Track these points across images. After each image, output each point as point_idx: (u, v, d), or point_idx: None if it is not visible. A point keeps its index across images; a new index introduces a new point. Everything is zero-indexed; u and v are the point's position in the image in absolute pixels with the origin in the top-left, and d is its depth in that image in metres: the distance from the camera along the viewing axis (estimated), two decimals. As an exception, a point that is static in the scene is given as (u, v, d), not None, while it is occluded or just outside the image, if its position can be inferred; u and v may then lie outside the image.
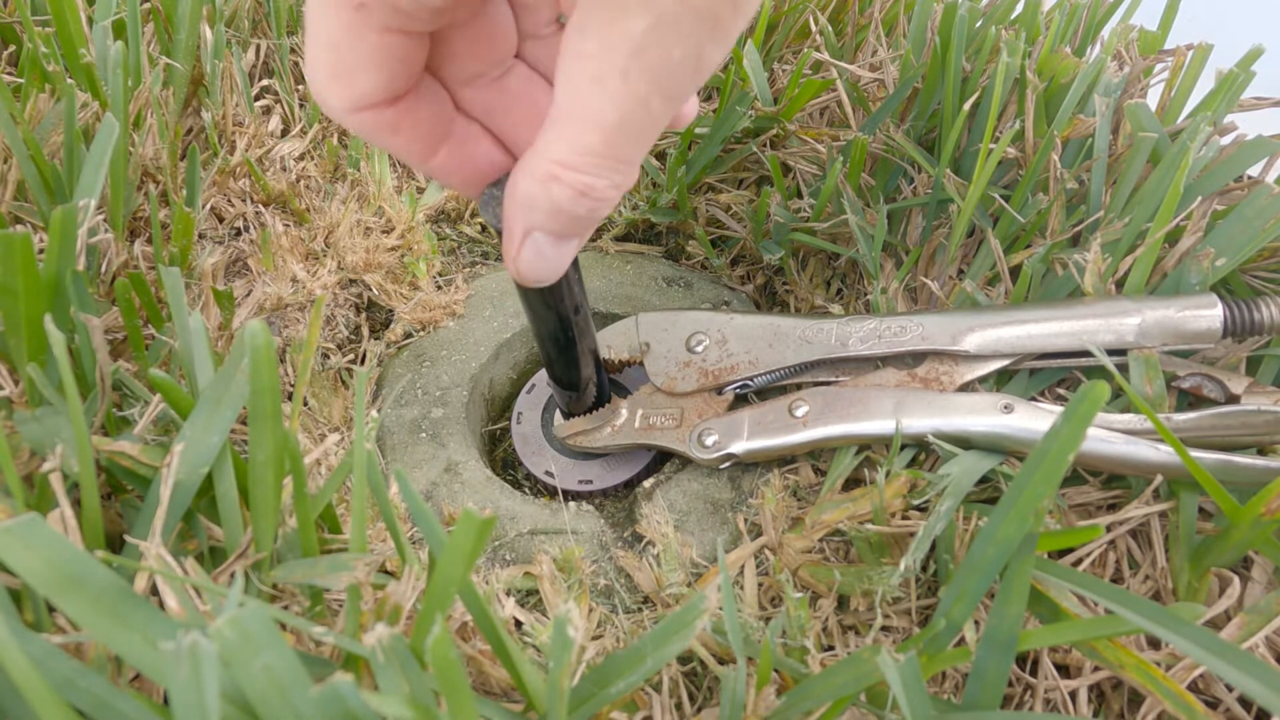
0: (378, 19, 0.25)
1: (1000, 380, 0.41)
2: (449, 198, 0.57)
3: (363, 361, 0.50)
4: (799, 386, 0.43)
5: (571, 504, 0.43)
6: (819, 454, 0.42)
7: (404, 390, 0.47)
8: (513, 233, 0.28)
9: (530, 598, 0.39)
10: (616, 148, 0.24)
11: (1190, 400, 0.39)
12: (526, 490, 0.47)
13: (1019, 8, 0.54)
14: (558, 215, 0.26)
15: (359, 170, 0.54)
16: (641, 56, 0.22)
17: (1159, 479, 0.36)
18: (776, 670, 0.32)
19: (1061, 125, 0.45)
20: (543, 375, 0.48)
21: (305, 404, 0.45)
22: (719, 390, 0.43)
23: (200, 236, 0.50)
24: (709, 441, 0.41)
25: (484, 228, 0.58)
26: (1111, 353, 0.37)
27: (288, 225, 0.51)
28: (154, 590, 0.26)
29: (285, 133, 0.57)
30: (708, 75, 0.24)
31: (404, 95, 0.27)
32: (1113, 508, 0.38)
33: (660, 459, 0.46)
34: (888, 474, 0.38)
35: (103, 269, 0.40)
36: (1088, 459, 0.36)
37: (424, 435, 0.46)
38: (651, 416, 0.43)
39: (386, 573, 0.33)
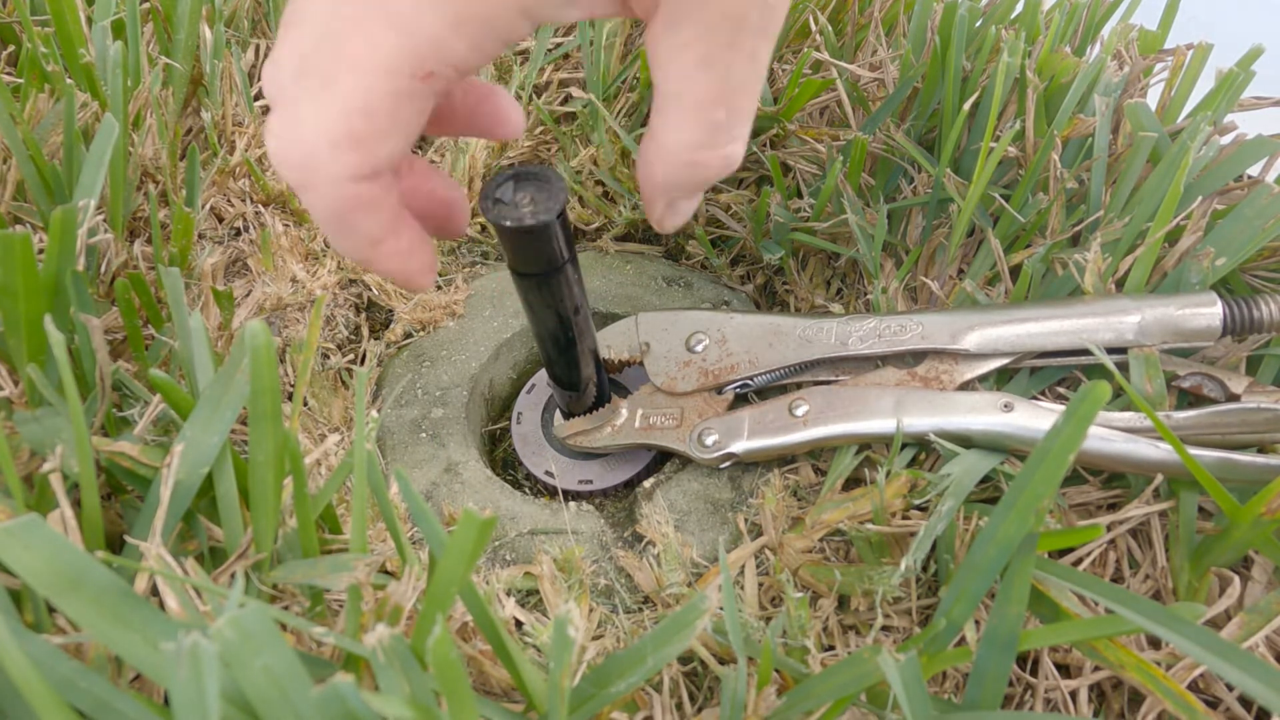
0: (439, 85, 0.24)
1: (1000, 379, 0.41)
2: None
3: (363, 361, 0.49)
4: (799, 386, 0.43)
5: (571, 504, 0.43)
6: (819, 454, 0.42)
7: (404, 390, 0.47)
8: (655, 204, 0.30)
9: (530, 598, 0.39)
10: (739, 109, 0.26)
11: (1190, 399, 0.39)
12: (526, 490, 0.47)
13: (1019, 7, 0.54)
14: (700, 185, 0.28)
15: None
16: (742, 22, 0.24)
17: (1159, 478, 0.36)
18: (777, 670, 0.32)
19: (1061, 125, 0.45)
20: (543, 375, 0.48)
21: (305, 404, 0.45)
22: (719, 390, 0.43)
23: (200, 236, 0.50)
24: (709, 441, 0.41)
25: (484, 228, 0.58)
26: (1111, 351, 0.37)
27: (287, 225, 0.51)
28: (154, 591, 0.26)
29: (285, 133, 0.57)
30: (780, 21, 0.26)
31: (404, 166, 0.28)
32: (1113, 507, 0.38)
33: (660, 459, 0.46)
34: (888, 474, 0.38)
35: (102, 269, 0.40)
36: (1087, 457, 0.36)
37: (424, 435, 0.46)
38: (651, 416, 0.43)
39: (387, 573, 0.33)
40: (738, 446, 0.41)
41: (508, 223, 0.30)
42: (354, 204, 0.26)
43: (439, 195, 0.31)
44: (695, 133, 0.26)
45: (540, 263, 0.33)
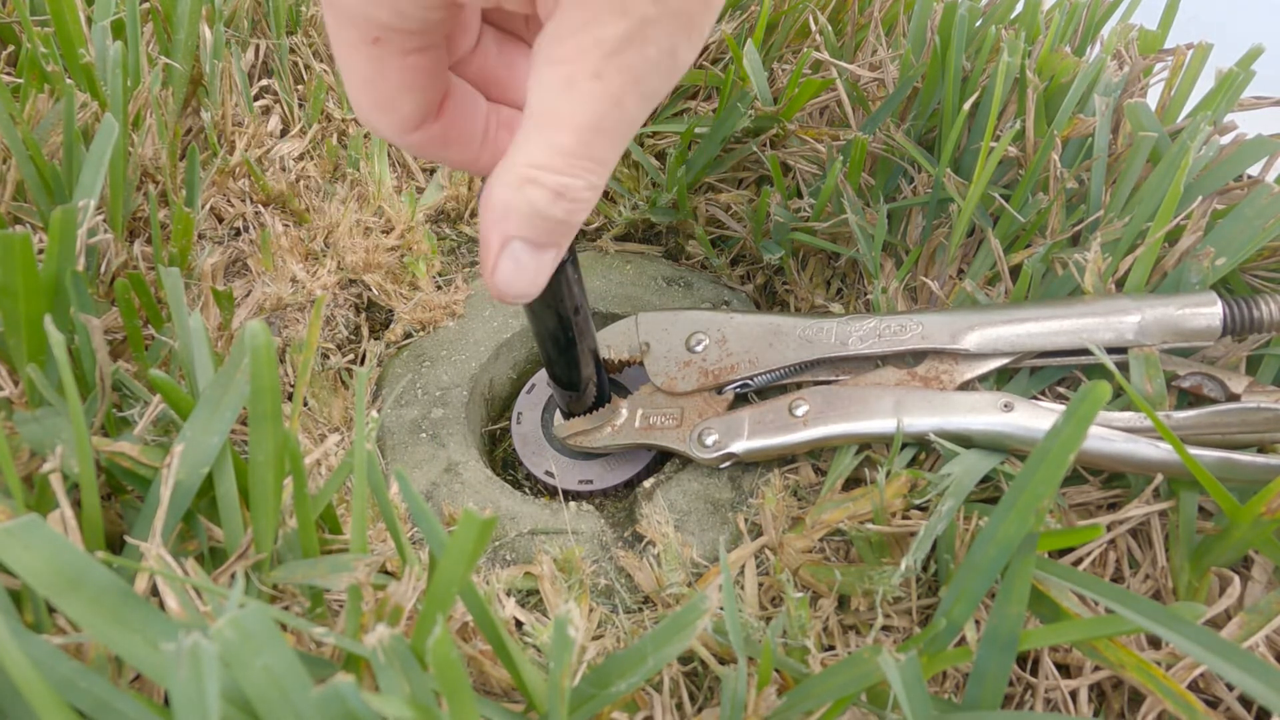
0: (396, 46, 0.25)
1: (1000, 379, 0.41)
2: (449, 197, 0.57)
3: (363, 361, 0.49)
4: (799, 386, 0.43)
5: (572, 504, 0.43)
6: (819, 453, 0.42)
7: (404, 390, 0.47)
8: (489, 245, 0.27)
9: (531, 598, 0.39)
10: (591, 147, 0.24)
11: (1190, 399, 0.39)
12: (526, 490, 0.47)
13: (1019, 7, 0.54)
14: (535, 220, 0.26)
15: (358, 170, 0.54)
16: (616, 58, 0.23)
17: (1159, 478, 0.36)
18: (777, 670, 0.32)
19: (1061, 125, 0.45)
20: (543, 375, 0.48)
21: (305, 404, 0.45)
22: (719, 390, 0.43)
23: (200, 237, 0.50)
24: (709, 441, 0.41)
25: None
26: (1111, 351, 0.37)
27: (287, 225, 0.51)
28: (154, 591, 0.26)
29: (285, 133, 0.57)
30: (681, 73, 0.24)
31: (443, 106, 0.28)
32: (1113, 507, 0.38)
33: (660, 459, 0.46)
34: (888, 473, 0.38)
35: (102, 269, 0.40)
36: (1087, 457, 0.36)
37: (424, 435, 0.45)
38: (651, 416, 0.43)
39: (387, 573, 0.33)
40: (738, 446, 0.41)
41: None
42: (424, 148, 0.29)
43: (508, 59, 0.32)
44: (537, 149, 0.24)
45: None
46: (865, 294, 0.49)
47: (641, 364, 0.44)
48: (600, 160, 0.25)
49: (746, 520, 0.41)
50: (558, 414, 0.45)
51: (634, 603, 0.39)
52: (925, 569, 0.36)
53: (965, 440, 0.38)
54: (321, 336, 0.49)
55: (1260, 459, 0.34)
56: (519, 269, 0.27)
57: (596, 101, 0.23)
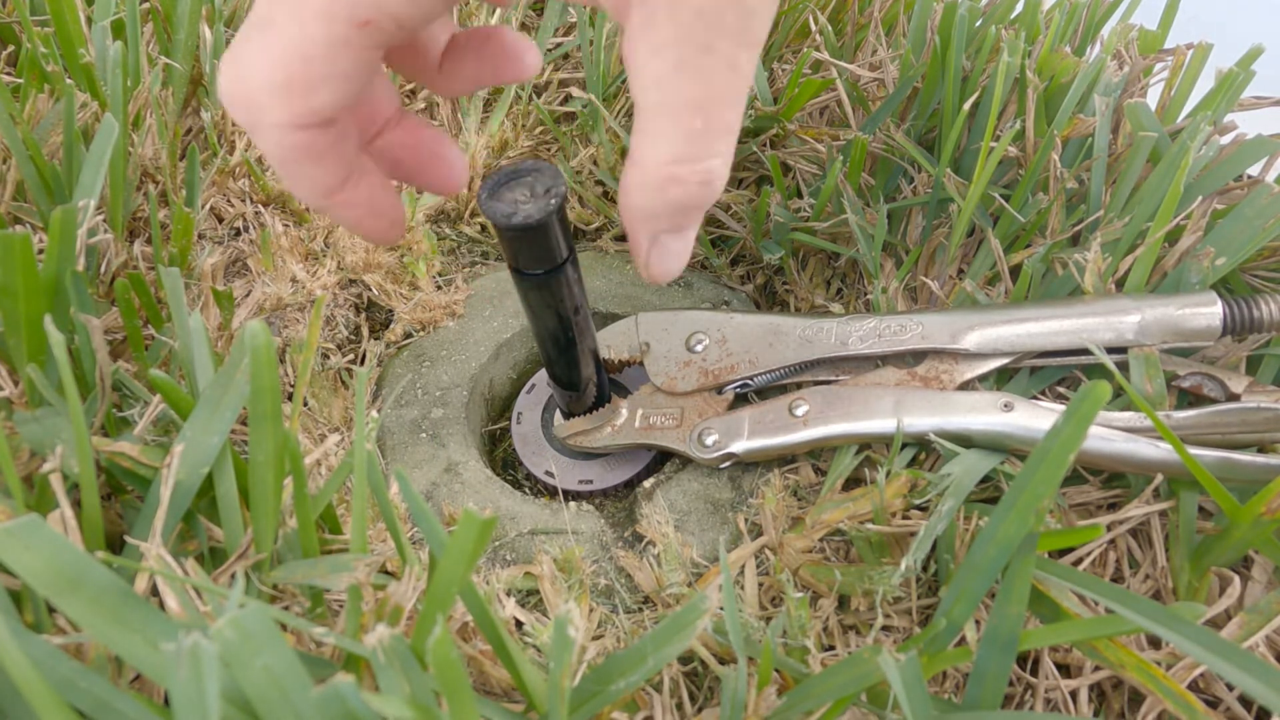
0: (378, 37, 0.24)
1: (1000, 379, 0.41)
2: (448, 198, 0.57)
3: (363, 361, 0.49)
4: (799, 386, 0.43)
5: (572, 504, 0.43)
6: (819, 453, 0.42)
7: (404, 390, 0.47)
8: (639, 244, 0.27)
9: (531, 598, 0.39)
10: (720, 121, 0.24)
11: (1190, 399, 0.39)
12: (526, 490, 0.47)
13: (1019, 7, 0.54)
14: (681, 212, 0.26)
15: (358, 170, 0.54)
16: (717, 24, 0.22)
17: (1159, 478, 0.36)
18: (777, 670, 0.32)
19: (1061, 125, 0.45)
20: (543, 375, 0.48)
21: (305, 404, 0.45)
22: (719, 390, 0.43)
23: (200, 237, 0.50)
24: (709, 441, 0.41)
25: (484, 227, 0.58)
26: (1111, 351, 0.37)
27: (287, 225, 0.51)
28: (154, 591, 0.26)
29: (285, 133, 0.57)
30: (775, 8, 0.24)
31: (338, 119, 0.26)
32: (1113, 507, 0.38)
33: (660, 459, 0.46)
34: (888, 473, 0.38)
35: (102, 269, 0.40)
36: (1087, 457, 0.36)
37: (424, 435, 0.46)
38: (651, 416, 0.43)
39: (387, 573, 0.33)
40: (738, 446, 0.41)
41: (506, 219, 0.29)
42: (300, 152, 0.26)
43: (429, 149, 0.30)
44: (671, 144, 0.24)
45: (540, 261, 0.32)
46: (865, 294, 0.49)
47: (641, 364, 0.44)
48: (730, 129, 0.25)
49: (746, 520, 0.41)
50: (558, 414, 0.45)
51: (634, 603, 0.39)
52: (925, 569, 0.36)
53: (965, 440, 0.38)
54: (321, 336, 0.49)
55: (1260, 459, 0.34)
56: (671, 256, 0.28)
57: (714, 74, 0.23)
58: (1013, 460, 0.37)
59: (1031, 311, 0.40)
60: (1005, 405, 0.38)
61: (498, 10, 0.61)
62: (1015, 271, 0.45)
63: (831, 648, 0.36)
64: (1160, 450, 0.35)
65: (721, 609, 0.33)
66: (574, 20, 0.61)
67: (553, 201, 0.30)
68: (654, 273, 0.28)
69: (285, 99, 0.24)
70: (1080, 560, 0.36)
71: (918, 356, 0.41)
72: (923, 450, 0.40)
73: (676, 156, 0.24)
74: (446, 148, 0.31)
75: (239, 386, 0.29)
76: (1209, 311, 0.38)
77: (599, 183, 0.57)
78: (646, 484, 0.43)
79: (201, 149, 0.52)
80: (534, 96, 0.58)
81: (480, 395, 0.49)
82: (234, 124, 0.54)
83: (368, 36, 0.24)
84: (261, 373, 0.25)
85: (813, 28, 0.56)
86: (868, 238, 0.47)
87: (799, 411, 0.40)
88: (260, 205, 0.52)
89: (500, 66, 0.30)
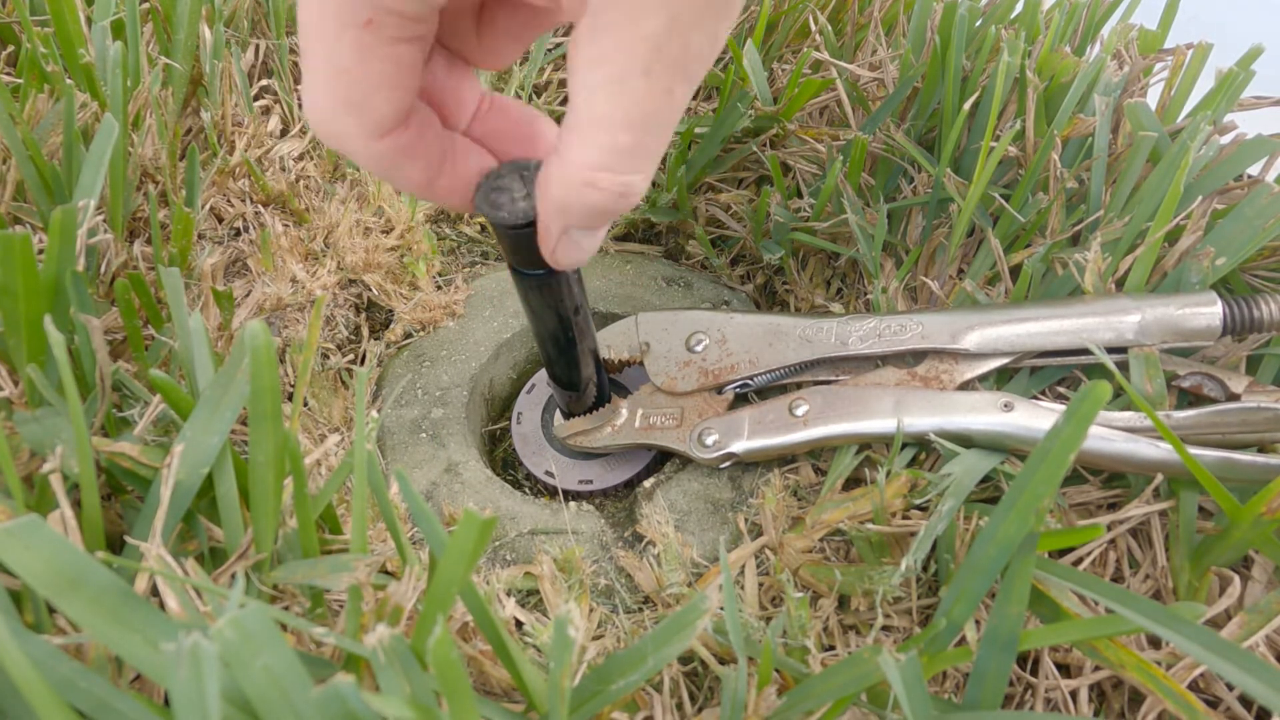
0: (388, 32, 0.24)
1: (1000, 379, 0.41)
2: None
3: (363, 362, 0.49)
4: (799, 386, 0.43)
5: (572, 504, 0.43)
6: (819, 453, 0.42)
7: (404, 390, 0.47)
8: (549, 233, 0.29)
9: (531, 598, 0.39)
10: (646, 142, 0.25)
11: (1190, 399, 0.39)
12: (526, 490, 0.47)
13: (1019, 7, 0.54)
14: (593, 213, 0.27)
15: (358, 170, 0.54)
16: (662, 52, 0.23)
17: (1159, 478, 0.36)
18: (777, 670, 0.32)
19: (1061, 124, 0.45)
20: (543, 375, 0.48)
21: (305, 404, 0.45)
22: (719, 390, 0.43)
23: (200, 237, 0.50)
24: (709, 441, 0.41)
25: (483, 227, 0.57)
26: (1111, 351, 0.37)
27: (287, 225, 0.51)
28: (154, 591, 0.26)
29: (284, 133, 0.57)
30: (719, 51, 0.25)
31: (410, 117, 0.27)
32: (1113, 507, 0.38)
33: (660, 459, 0.46)
34: (888, 474, 0.38)
35: (102, 269, 0.40)
36: (1087, 457, 0.36)
37: (424, 435, 0.45)
38: (651, 416, 0.43)
39: (387, 573, 0.33)
40: (738, 446, 0.41)
41: (502, 217, 0.30)
42: (389, 158, 0.27)
43: (524, 128, 0.31)
44: (595, 151, 0.25)
45: (540, 260, 0.32)
46: (865, 294, 0.49)
47: (641, 364, 0.44)
48: (655, 152, 0.25)
49: (746, 520, 0.41)
50: (558, 414, 0.45)
51: (634, 603, 0.39)
52: (925, 569, 0.36)
53: (965, 440, 0.38)
54: (321, 336, 0.49)
55: (1260, 459, 0.34)
56: (577, 249, 0.30)
57: (648, 98, 0.23)
58: (1013, 460, 0.37)
59: (1031, 311, 0.40)
60: (1005, 405, 0.38)
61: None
62: (1015, 271, 0.45)
63: (831, 648, 0.36)
64: (1160, 450, 0.35)
65: (722, 609, 0.33)
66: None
67: None
68: (560, 259, 0.30)
69: (349, 118, 0.26)
70: (1080, 560, 0.36)
71: (918, 356, 0.41)
72: (923, 450, 0.40)
73: (599, 164, 0.25)
74: (541, 124, 0.32)
75: (239, 386, 0.29)
76: (1209, 311, 0.38)
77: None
78: (646, 484, 0.43)
79: (201, 149, 0.53)
80: (534, 96, 0.58)
81: (480, 395, 0.49)
82: (234, 124, 0.54)
83: (379, 34, 0.24)
84: (261, 373, 0.25)
85: (813, 28, 0.56)
86: (868, 238, 0.47)
87: (799, 411, 0.40)
88: (260, 205, 0.52)
89: (536, 13, 0.30)
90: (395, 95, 0.26)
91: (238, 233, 0.51)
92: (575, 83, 0.24)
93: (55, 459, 0.27)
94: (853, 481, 0.41)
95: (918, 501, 0.37)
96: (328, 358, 0.48)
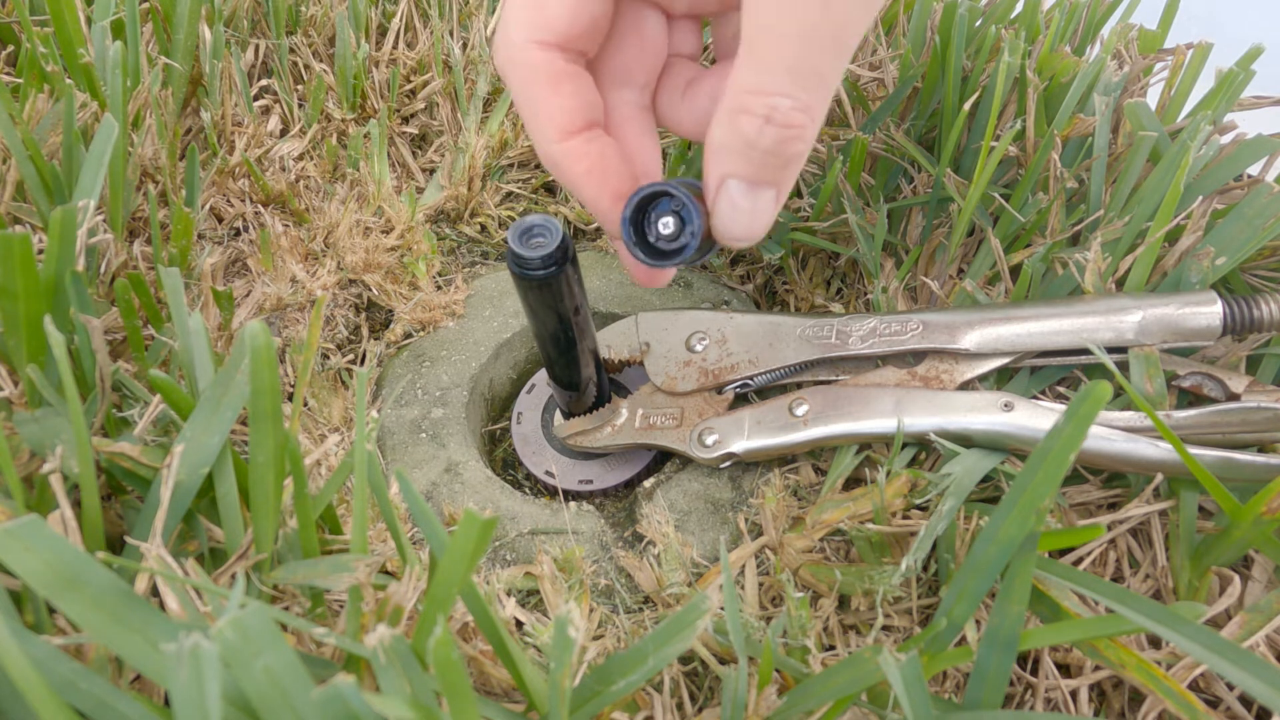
0: None
1: (1000, 378, 0.41)
2: (448, 197, 0.57)
3: (363, 362, 0.49)
4: (799, 385, 0.43)
5: (572, 504, 0.43)
6: (819, 453, 0.42)
7: (404, 390, 0.47)
8: (709, 187, 0.26)
9: (531, 598, 0.39)
10: (802, 59, 0.22)
11: (1190, 399, 0.39)
12: (527, 490, 0.47)
13: (1019, 7, 0.54)
14: (747, 154, 0.24)
15: (358, 170, 0.54)
16: None
17: (1159, 478, 0.36)
18: (778, 670, 0.32)
19: (1061, 124, 0.45)
20: (543, 375, 0.48)
21: (305, 404, 0.45)
22: (719, 389, 0.43)
23: (199, 237, 0.50)
24: (709, 441, 0.41)
25: (483, 227, 0.57)
26: (1111, 350, 0.37)
27: (287, 225, 0.51)
28: (155, 591, 0.26)
29: (284, 133, 0.57)
30: None
31: (582, 50, 0.27)
32: (1113, 506, 0.38)
33: (660, 459, 0.46)
34: (888, 473, 0.38)
35: (102, 269, 0.40)
36: (1087, 456, 0.36)
37: (424, 435, 0.45)
38: (651, 416, 0.43)
39: (387, 573, 0.33)
40: (738, 446, 0.41)
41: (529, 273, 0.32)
42: (539, 73, 0.27)
43: (647, 155, 0.31)
44: (750, 73, 0.23)
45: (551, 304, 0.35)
46: (865, 294, 0.49)
47: (641, 364, 0.44)
48: (813, 72, 0.23)
49: (747, 520, 0.41)
50: (558, 414, 0.45)
51: (634, 603, 0.39)
52: (925, 569, 0.36)
53: (965, 440, 0.38)
54: (321, 336, 0.49)
55: (1260, 458, 0.34)
56: (735, 210, 0.26)
57: (805, 8, 0.22)
58: (1013, 460, 0.37)
59: (1031, 311, 0.40)
60: (1005, 405, 0.38)
61: (497, 9, 0.61)
62: (1015, 271, 0.45)
63: (832, 647, 0.36)
64: (1160, 450, 0.35)
65: (722, 609, 0.33)
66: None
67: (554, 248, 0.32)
68: (717, 225, 0.26)
69: (523, 15, 0.26)
70: (1080, 560, 0.36)
71: (918, 356, 0.41)
72: (923, 450, 0.40)
73: (748, 86, 0.23)
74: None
75: (239, 386, 0.29)
76: (1209, 311, 0.38)
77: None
78: (646, 484, 0.43)
79: (201, 149, 0.52)
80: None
81: (480, 395, 0.49)
82: (233, 124, 0.54)
83: None
84: (261, 373, 0.25)
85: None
86: (868, 237, 0.47)
87: (799, 411, 0.40)
88: (260, 205, 0.52)
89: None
90: (575, 11, 0.26)
91: (238, 233, 0.51)
92: (743, 15, 0.23)
93: (55, 459, 0.27)
94: (853, 481, 0.41)
95: (918, 501, 0.37)
96: (328, 358, 0.48)
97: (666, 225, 0.27)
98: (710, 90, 0.30)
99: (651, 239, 0.28)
